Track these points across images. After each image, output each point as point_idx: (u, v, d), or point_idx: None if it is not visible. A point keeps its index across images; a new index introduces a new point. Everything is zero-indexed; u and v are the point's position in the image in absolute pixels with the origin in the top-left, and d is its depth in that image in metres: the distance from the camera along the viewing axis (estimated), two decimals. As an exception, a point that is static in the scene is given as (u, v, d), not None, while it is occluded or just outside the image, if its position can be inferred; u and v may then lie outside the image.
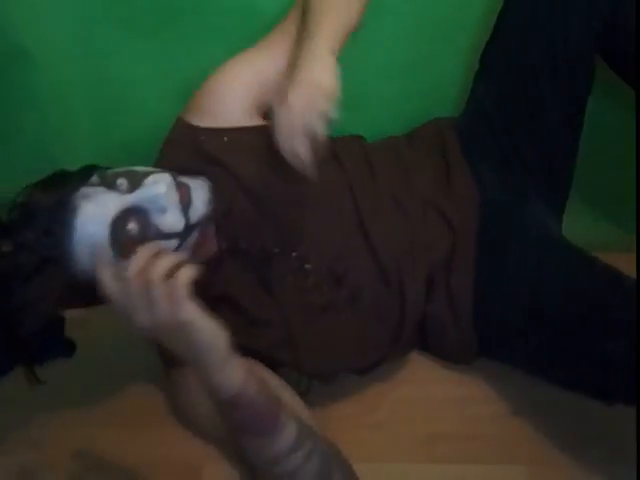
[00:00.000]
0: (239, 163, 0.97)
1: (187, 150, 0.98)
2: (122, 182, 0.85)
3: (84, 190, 0.84)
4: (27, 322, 0.85)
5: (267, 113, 1.02)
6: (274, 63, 1.00)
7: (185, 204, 0.86)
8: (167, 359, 0.95)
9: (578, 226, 1.12)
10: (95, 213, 0.82)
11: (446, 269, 1.00)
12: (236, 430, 0.79)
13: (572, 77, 1.00)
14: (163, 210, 0.84)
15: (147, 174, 0.86)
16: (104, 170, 0.88)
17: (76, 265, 0.83)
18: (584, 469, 0.96)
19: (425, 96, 1.20)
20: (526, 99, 1.03)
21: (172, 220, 0.85)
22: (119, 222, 0.82)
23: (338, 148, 1.03)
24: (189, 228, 0.87)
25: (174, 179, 0.88)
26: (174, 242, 0.86)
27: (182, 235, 0.86)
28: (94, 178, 0.86)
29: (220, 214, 0.93)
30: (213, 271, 0.92)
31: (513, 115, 1.04)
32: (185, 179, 0.90)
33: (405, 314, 0.99)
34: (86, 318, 1.00)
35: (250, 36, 1.10)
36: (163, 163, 0.97)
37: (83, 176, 0.86)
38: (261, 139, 0.95)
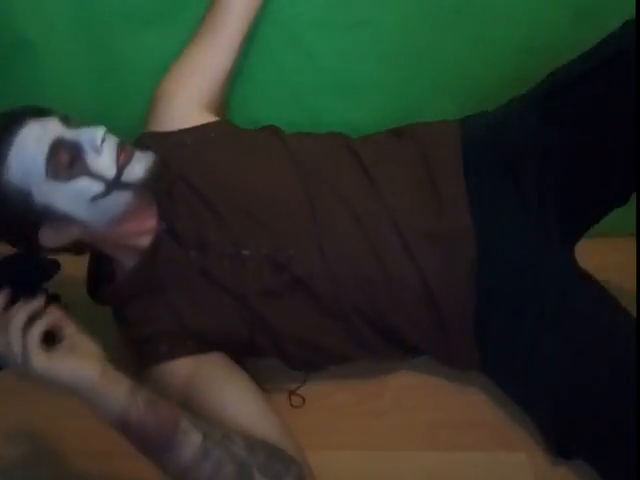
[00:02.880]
0: (182, 161, 1.00)
1: None
2: (75, 122, 0.89)
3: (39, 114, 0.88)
4: None
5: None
6: (214, 55, 1.08)
7: (123, 162, 0.88)
8: (137, 362, 0.96)
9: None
10: (39, 132, 0.86)
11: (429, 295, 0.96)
12: (137, 449, 0.78)
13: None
14: (97, 151, 0.87)
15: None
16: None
17: (5, 173, 0.85)
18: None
19: (427, 85, 1.19)
20: (594, 158, 0.93)
21: (103, 164, 0.87)
22: (56, 147, 0.86)
23: (293, 147, 1.04)
24: (119, 183, 0.88)
25: (119, 141, 0.90)
26: (99, 186, 0.87)
27: (109, 185, 0.87)
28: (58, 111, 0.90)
29: (160, 190, 0.95)
30: (153, 256, 0.95)
31: (570, 167, 0.94)
32: (133, 147, 0.92)
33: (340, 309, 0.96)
34: (93, 308, 1.01)
35: (252, 27, 1.10)
36: None
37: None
38: (205, 136, 1.04)
